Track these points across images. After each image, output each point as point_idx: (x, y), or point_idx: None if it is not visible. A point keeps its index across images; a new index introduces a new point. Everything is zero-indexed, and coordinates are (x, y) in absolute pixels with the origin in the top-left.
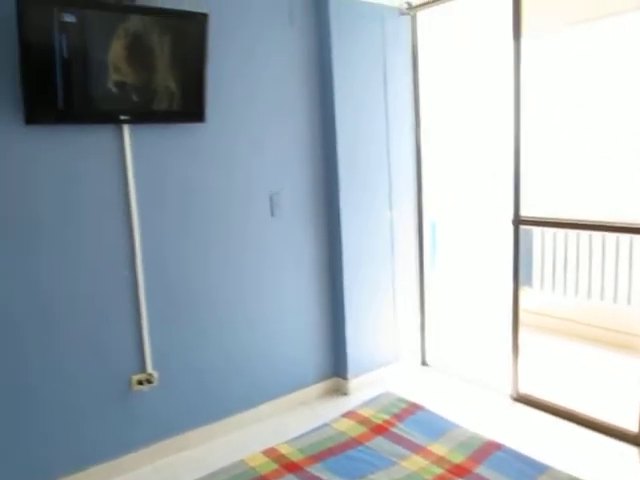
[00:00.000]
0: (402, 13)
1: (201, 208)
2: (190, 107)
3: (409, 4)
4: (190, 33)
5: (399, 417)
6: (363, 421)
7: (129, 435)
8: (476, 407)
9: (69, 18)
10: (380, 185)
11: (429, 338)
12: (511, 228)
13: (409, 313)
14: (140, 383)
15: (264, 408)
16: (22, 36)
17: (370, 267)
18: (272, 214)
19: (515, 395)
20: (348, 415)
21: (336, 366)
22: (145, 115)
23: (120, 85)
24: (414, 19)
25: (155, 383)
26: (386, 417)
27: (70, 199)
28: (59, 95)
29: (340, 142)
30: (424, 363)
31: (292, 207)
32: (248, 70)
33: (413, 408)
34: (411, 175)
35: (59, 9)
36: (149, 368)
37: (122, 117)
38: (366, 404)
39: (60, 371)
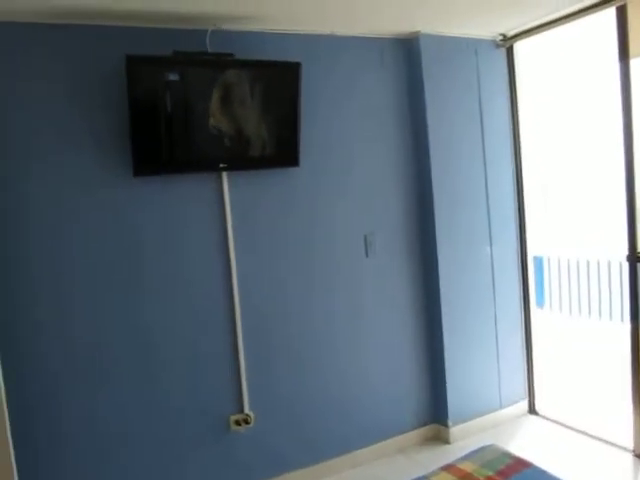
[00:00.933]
0: (497, 45)
1: (296, 250)
2: (285, 152)
3: (504, 36)
4: (284, 82)
5: (504, 474)
6: (464, 477)
7: (225, 476)
8: (592, 465)
9: (173, 77)
10: (478, 219)
11: (537, 383)
12: (625, 265)
13: (514, 356)
14: (237, 424)
15: (360, 454)
16: (131, 96)
17: (470, 306)
18: (366, 254)
19: (638, 452)
20: (448, 469)
21: (436, 412)
22: (242, 162)
23: (218, 135)
24: (510, 50)
25: (252, 424)
26: (490, 474)
27: (172, 243)
28: (163, 148)
29: (435, 177)
30: (532, 411)
31: (386, 246)
32: (340, 112)
33: (520, 465)
34: (512, 208)
35: (165, 69)
36: (246, 409)
37: (221, 165)
38: (467, 457)
39: (160, 410)
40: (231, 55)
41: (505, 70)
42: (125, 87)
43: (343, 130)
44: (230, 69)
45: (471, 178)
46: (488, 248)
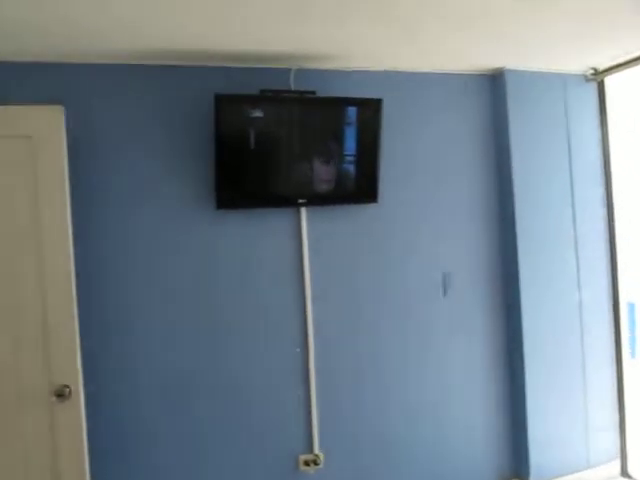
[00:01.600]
0: (587, 79)
1: (372, 286)
2: (364, 188)
3: (595, 70)
4: (366, 118)
5: None
6: None
7: None
8: None
9: (258, 113)
10: (566, 262)
11: (631, 443)
12: None
13: (604, 411)
14: (307, 464)
15: None
16: (218, 132)
17: (555, 356)
18: (444, 294)
19: None
20: None
21: (517, 466)
22: (321, 197)
23: (299, 171)
24: (601, 84)
25: (321, 465)
26: None
27: (250, 276)
28: (246, 183)
29: (519, 216)
30: (625, 473)
31: (465, 287)
32: (420, 148)
33: None
34: (603, 250)
35: (250, 107)
36: (316, 449)
37: (300, 201)
38: None
39: (232, 446)
40: (313, 93)
41: (596, 104)
42: (212, 124)
43: (423, 166)
44: (312, 106)
45: (558, 217)
46: (576, 293)
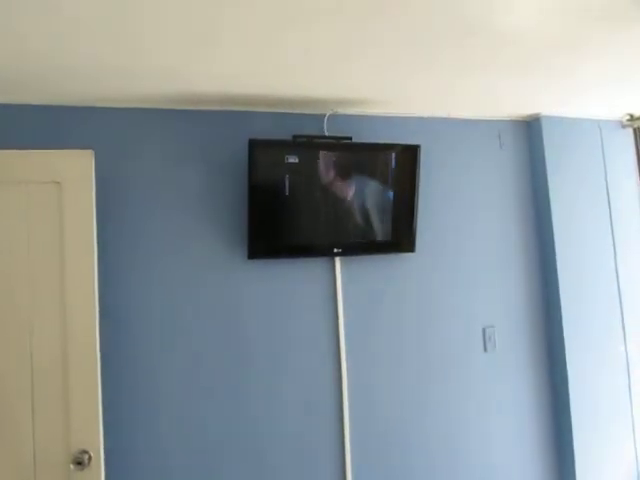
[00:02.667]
0: (623, 126)
1: (408, 340)
2: (401, 237)
3: (631, 116)
4: (403, 164)
5: None
6: None
7: None
8: None
9: (292, 159)
10: (610, 315)
11: None
12: None
13: None
14: None
15: None
16: (251, 178)
17: (605, 417)
18: (485, 349)
19: None
20: None
21: None
22: (357, 247)
23: (334, 219)
24: (638, 131)
25: None
26: None
27: (281, 327)
28: (280, 231)
29: (560, 268)
30: None
31: (507, 343)
32: (457, 197)
33: None
34: None
35: (284, 153)
36: None
37: (335, 250)
38: None
39: None
40: (349, 138)
41: (633, 150)
42: (245, 170)
43: (460, 214)
44: (348, 152)
45: (600, 268)
46: (622, 347)
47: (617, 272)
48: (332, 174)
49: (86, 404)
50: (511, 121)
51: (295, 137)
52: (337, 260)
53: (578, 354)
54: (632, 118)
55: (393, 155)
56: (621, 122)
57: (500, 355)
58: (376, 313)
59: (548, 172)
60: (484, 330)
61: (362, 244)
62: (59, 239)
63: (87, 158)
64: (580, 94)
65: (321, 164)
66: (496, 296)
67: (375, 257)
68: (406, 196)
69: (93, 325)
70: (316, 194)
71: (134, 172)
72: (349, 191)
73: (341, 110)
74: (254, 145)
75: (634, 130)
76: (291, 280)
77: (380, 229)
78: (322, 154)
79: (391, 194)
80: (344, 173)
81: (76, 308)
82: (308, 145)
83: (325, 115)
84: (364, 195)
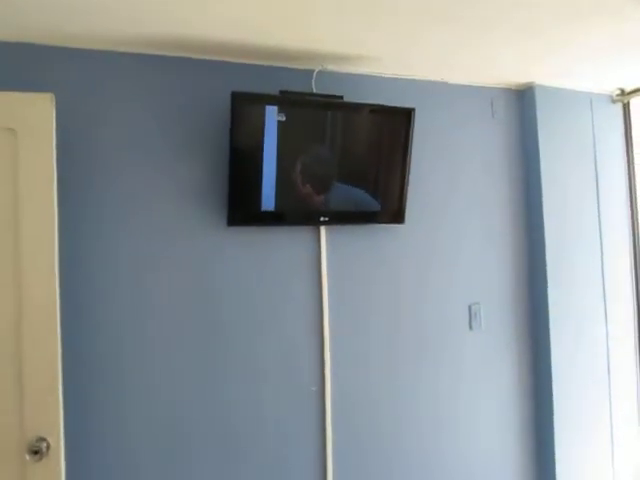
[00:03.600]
0: (613, 101)
1: (392, 315)
2: (391, 207)
3: (622, 90)
4: (395, 129)
5: None
6: None
7: None
8: None
9: (279, 117)
10: (594, 294)
11: None
12: None
13: (631, 454)
14: None
15: None
16: (233, 136)
17: (586, 399)
18: (470, 327)
19: None
20: None
21: None
22: (345, 216)
23: (322, 185)
24: (627, 106)
25: None
26: None
27: (262, 300)
28: (263, 196)
29: (548, 246)
30: None
31: (493, 320)
32: (445, 167)
33: None
34: (629, 285)
35: (272, 108)
36: None
37: (322, 219)
38: None
39: None
40: (341, 98)
41: (622, 126)
42: (225, 128)
43: (449, 186)
44: (339, 112)
45: (586, 245)
46: (604, 327)
47: (602, 251)
48: (321, 135)
49: (44, 385)
50: (504, 89)
51: (283, 92)
52: (322, 229)
53: (562, 335)
54: (622, 93)
55: (387, 117)
56: (611, 97)
57: (485, 333)
58: (361, 287)
59: (540, 145)
60: (469, 307)
61: (350, 213)
62: (13, 195)
63: (47, 103)
64: (575, 66)
65: (309, 123)
66: (481, 272)
67: (363, 227)
68: (398, 163)
69: (53, 294)
70: (302, 156)
71: (101, 123)
72: (338, 155)
73: (331, 67)
74: (237, 99)
75: (623, 105)
76: (273, 250)
77: (370, 198)
78: (310, 112)
79: (382, 160)
80: (333, 135)
81: (33, 275)
82: (297, 102)
83: (314, 71)
84: (354, 159)
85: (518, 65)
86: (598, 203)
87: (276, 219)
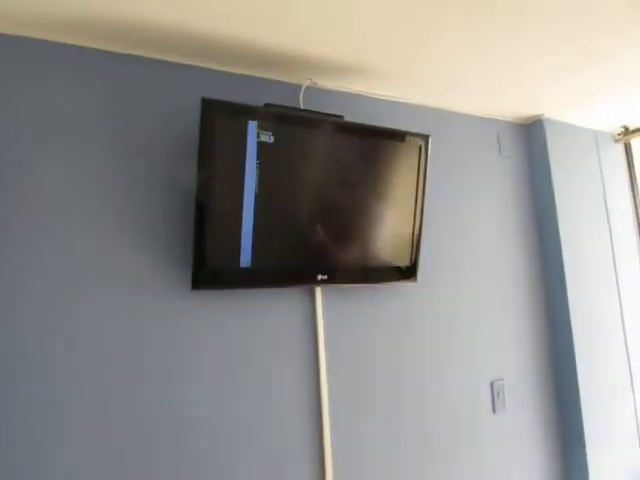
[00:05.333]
0: (615, 140)
1: (402, 391)
2: (401, 260)
3: (626, 129)
4: (405, 160)
5: None
6: None
7: None
8: None
9: (264, 137)
10: (619, 362)
11: None
12: None
13: None
14: None
15: None
16: (202, 164)
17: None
18: (494, 410)
19: None
20: None
21: None
22: (348, 273)
23: (317, 235)
24: (629, 147)
25: None
26: None
27: (236, 383)
28: (242, 246)
29: (572, 309)
30: None
31: (518, 398)
32: (456, 215)
33: None
34: None
35: (254, 125)
36: None
37: (319, 277)
38: None
39: None
40: (341, 117)
41: (625, 164)
42: (192, 150)
43: (461, 243)
44: (340, 134)
45: (606, 304)
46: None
47: (621, 308)
48: (317, 163)
49: None
50: (510, 122)
51: (268, 106)
52: (318, 290)
53: (593, 410)
54: (626, 131)
55: (396, 145)
56: (612, 135)
57: (511, 417)
58: (363, 354)
59: (554, 182)
60: (491, 384)
61: (354, 269)
62: None
63: None
64: (579, 100)
65: (302, 147)
66: (504, 346)
67: (366, 287)
68: (410, 201)
69: None
70: (294, 192)
71: (24, 131)
72: (340, 192)
73: (320, 82)
74: (210, 108)
75: (625, 145)
76: (255, 321)
77: (377, 249)
78: (303, 134)
79: (390, 200)
80: (334, 163)
81: None
82: (288, 118)
83: (302, 86)
84: (360, 199)
85: (525, 94)
86: (613, 254)
87: (259, 279)
